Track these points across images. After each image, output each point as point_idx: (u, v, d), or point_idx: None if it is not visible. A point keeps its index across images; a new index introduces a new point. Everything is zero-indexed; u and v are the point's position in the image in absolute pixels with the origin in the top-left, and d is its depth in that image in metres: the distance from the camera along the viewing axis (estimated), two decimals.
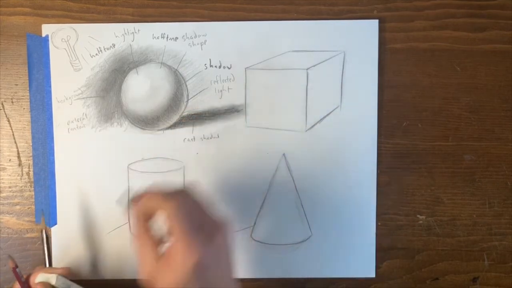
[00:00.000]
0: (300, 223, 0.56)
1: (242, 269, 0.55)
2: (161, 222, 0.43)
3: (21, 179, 0.56)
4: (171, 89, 0.55)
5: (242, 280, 0.55)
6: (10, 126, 0.55)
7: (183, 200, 0.43)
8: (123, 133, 0.55)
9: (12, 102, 0.55)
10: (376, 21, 0.54)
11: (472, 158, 0.56)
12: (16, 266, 0.49)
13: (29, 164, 0.55)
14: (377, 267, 0.56)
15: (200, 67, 0.54)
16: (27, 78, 0.55)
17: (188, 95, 0.55)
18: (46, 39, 0.54)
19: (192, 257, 0.41)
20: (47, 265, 0.52)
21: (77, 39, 0.54)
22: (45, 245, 0.53)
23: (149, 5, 0.54)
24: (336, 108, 0.55)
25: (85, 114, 0.55)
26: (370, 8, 0.54)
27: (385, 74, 0.55)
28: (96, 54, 0.54)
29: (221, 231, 0.43)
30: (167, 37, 0.54)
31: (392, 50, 0.55)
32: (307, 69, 0.53)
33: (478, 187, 0.56)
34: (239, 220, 0.55)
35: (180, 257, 0.41)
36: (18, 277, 0.49)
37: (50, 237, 0.55)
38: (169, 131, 0.55)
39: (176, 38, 0.54)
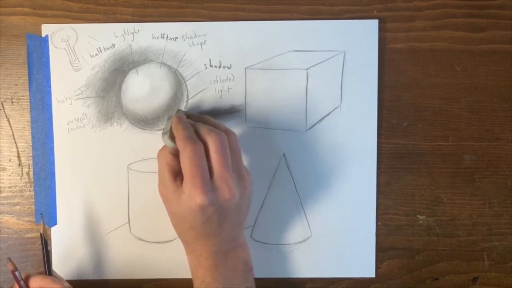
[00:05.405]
0: (300, 223, 0.56)
1: None
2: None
3: (21, 179, 0.55)
4: (171, 89, 0.55)
5: None
6: (10, 126, 0.55)
7: (215, 142, 0.45)
8: (123, 133, 0.55)
9: (12, 102, 0.55)
10: (376, 21, 0.54)
11: (472, 158, 0.56)
12: (16, 269, 0.49)
13: (29, 164, 0.55)
14: (377, 267, 0.56)
15: (200, 67, 0.54)
16: (27, 78, 0.55)
17: (188, 95, 0.55)
18: (46, 39, 0.54)
19: (194, 199, 0.44)
20: (46, 271, 0.51)
21: (77, 39, 0.54)
22: (44, 250, 0.51)
23: (149, 5, 0.54)
24: (336, 108, 0.55)
25: (85, 114, 0.55)
26: (370, 8, 0.54)
27: (385, 74, 0.55)
28: (96, 54, 0.54)
29: (230, 188, 0.45)
30: (167, 37, 0.54)
31: (392, 50, 0.55)
32: (307, 69, 0.53)
33: (478, 187, 0.56)
34: None
35: (185, 195, 0.45)
36: (17, 280, 0.49)
37: (49, 240, 0.55)
38: None
39: (176, 38, 0.54)
